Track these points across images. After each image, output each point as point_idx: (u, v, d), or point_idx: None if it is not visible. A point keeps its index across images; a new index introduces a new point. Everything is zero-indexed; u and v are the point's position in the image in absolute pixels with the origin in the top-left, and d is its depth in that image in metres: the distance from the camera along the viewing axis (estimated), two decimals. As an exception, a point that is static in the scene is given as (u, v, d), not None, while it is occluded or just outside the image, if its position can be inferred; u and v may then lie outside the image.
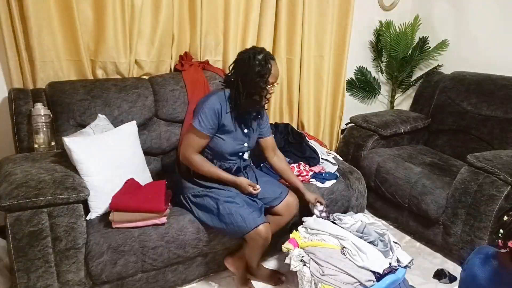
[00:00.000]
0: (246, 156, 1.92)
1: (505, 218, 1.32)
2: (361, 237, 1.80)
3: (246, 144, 1.87)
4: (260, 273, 1.99)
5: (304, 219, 1.91)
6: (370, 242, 1.78)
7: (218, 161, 1.84)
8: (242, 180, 1.83)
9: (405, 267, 1.77)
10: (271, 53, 2.66)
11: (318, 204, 1.95)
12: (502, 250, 1.28)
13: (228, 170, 1.86)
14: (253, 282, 1.98)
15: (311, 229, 1.84)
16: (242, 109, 1.77)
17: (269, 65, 1.71)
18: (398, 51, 3.10)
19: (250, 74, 1.70)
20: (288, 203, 1.92)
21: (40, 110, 1.91)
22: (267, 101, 1.81)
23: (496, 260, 1.31)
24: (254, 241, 1.75)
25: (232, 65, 1.78)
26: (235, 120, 1.79)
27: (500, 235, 1.29)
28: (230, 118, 1.78)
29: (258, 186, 1.84)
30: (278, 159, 2.02)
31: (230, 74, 1.79)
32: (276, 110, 2.91)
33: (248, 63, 1.70)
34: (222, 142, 1.79)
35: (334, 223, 1.90)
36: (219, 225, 1.77)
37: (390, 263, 1.71)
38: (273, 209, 1.90)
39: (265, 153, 2.01)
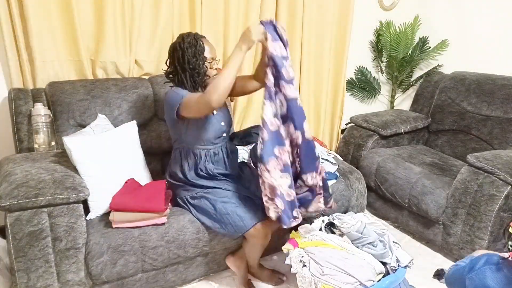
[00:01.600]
0: (225, 135, 1.90)
1: (511, 230, 1.30)
2: (360, 237, 1.80)
3: (223, 123, 1.87)
4: (260, 273, 1.99)
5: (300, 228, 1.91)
6: (369, 243, 1.78)
7: (204, 147, 1.84)
8: (250, 28, 1.61)
9: (405, 267, 1.77)
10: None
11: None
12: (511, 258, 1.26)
13: (216, 155, 1.86)
14: (254, 282, 1.98)
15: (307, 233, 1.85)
16: (193, 91, 1.76)
17: (201, 42, 1.74)
18: (398, 51, 3.10)
19: (187, 57, 1.72)
20: None
21: (40, 110, 1.91)
22: (214, 79, 1.74)
23: (507, 269, 1.30)
24: (253, 238, 1.76)
25: (168, 60, 1.80)
26: None
27: (510, 247, 1.27)
28: None
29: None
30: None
31: (168, 70, 1.81)
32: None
33: (181, 49, 1.72)
34: (201, 129, 1.79)
35: (332, 224, 1.91)
36: (217, 226, 1.77)
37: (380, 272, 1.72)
38: None
39: (251, 83, 1.88)
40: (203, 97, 1.61)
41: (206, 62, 1.76)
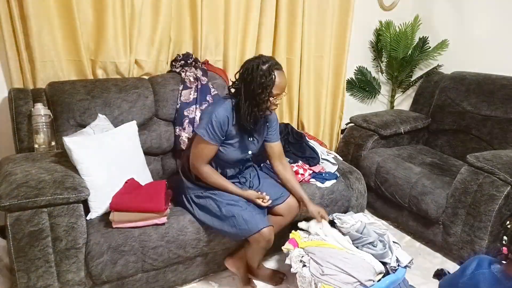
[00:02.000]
0: (248, 162, 1.93)
1: (509, 225, 1.31)
2: (360, 237, 1.80)
3: (250, 152, 1.87)
4: (260, 273, 1.99)
5: (299, 224, 1.91)
6: (369, 243, 1.78)
7: (221, 168, 1.84)
8: (250, 193, 1.81)
9: (405, 267, 1.77)
10: (272, 54, 2.71)
11: (319, 221, 1.88)
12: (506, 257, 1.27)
13: (231, 176, 1.86)
14: (254, 282, 1.98)
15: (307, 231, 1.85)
16: (244, 121, 1.72)
17: (273, 76, 1.65)
18: (398, 51, 3.10)
19: (253, 85, 1.64)
20: (289, 204, 1.92)
21: (40, 110, 1.91)
22: (270, 112, 1.77)
23: (501, 273, 1.30)
24: (257, 243, 1.75)
25: (238, 73, 1.73)
26: (240, 129, 1.77)
27: (504, 242, 1.28)
28: (236, 128, 1.75)
29: (267, 198, 1.81)
30: (283, 168, 1.95)
31: (236, 82, 1.75)
32: (276, 110, 2.91)
33: (252, 74, 1.64)
34: (227, 151, 1.78)
35: (333, 223, 1.91)
36: (220, 227, 1.77)
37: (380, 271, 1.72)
38: (275, 209, 1.90)
39: (270, 160, 1.97)
40: (195, 167, 1.77)
41: (271, 97, 1.68)
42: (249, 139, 1.83)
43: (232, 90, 1.77)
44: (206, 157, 1.75)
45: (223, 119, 1.70)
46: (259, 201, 1.80)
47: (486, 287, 1.32)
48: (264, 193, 1.83)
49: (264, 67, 1.64)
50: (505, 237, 1.29)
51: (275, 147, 1.94)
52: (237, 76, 1.74)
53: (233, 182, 1.87)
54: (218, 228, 1.78)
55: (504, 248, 1.27)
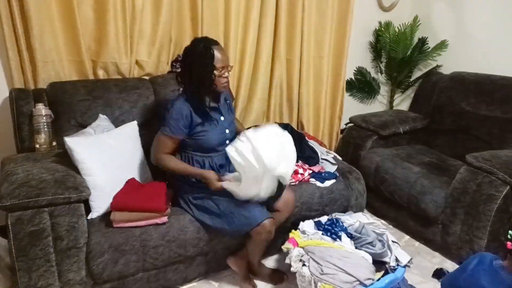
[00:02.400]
0: (228, 142, 1.92)
1: None
2: (359, 238, 1.81)
3: (227, 131, 1.89)
4: (261, 272, 2.00)
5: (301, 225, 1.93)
6: (368, 243, 1.79)
7: (208, 155, 1.85)
8: (210, 174, 1.77)
9: (404, 266, 1.78)
10: (272, 54, 2.72)
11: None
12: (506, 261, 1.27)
13: (219, 162, 1.87)
14: (255, 281, 1.98)
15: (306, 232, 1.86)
16: (200, 102, 1.77)
17: (211, 51, 1.69)
18: (397, 52, 3.11)
19: (195, 66, 1.70)
20: (286, 199, 1.92)
21: (41, 110, 1.91)
22: (223, 88, 1.80)
23: (502, 268, 1.31)
24: (258, 235, 1.75)
25: (179, 62, 1.78)
26: (205, 114, 1.79)
27: (509, 236, 1.28)
28: (201, 115, 1.78)
29: (226, 176, 1.76)
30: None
31: (179, 72, 1.81)
32: (276, 110, 2.92)
33: (190, 56, 1.71)
34: (206, 137, 1.80)
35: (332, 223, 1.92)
36: (221, 225, 1.78)
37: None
38: (271, 205, 1.91)
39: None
40: (157, 158, 1.81)
41: (215, 71, 1.72)
42: (220, 118, 1.86)
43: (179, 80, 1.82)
44: (168, 149, 1.80)
45: (183, 112, 1.75)
46: (217, 183, 1.73)
47: (487, 282, 1.32)
48: (227, 176, 1.79)
49: (200, 46, 1.70)
50: (510, 232, 1.29)
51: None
52: (178, 65, 1.81)
53: (224, 172, 1.88)
54: (218, 226, 1.79)
55: (509, 243, 1.27)
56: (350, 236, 1.87)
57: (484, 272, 1.36)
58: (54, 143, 1.97)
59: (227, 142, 1.88)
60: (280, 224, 1.93)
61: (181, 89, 1.89)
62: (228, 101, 1.95)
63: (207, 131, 1.81)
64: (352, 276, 1.64)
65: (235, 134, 1.90)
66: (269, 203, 1.90)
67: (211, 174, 1.77)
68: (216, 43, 1.76)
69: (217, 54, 1.71)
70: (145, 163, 2.01)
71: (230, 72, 1.80)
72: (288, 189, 1.96)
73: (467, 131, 2.68)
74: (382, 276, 1.73)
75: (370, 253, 1.76)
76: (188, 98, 1.78)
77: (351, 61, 3.11)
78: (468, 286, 1.40)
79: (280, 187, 1.78)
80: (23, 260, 1.51)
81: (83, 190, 1.59)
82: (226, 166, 1.91)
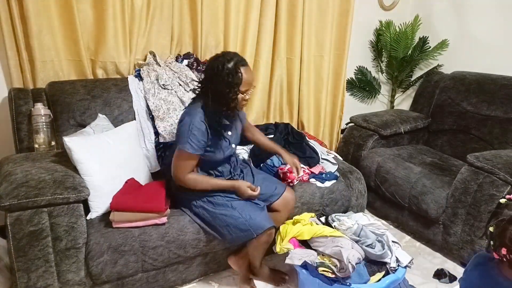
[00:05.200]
0: (235, 155, 1.94)
1: (491, 229, 1.32)
2: (358, 241, 1.80)
3: (233, 145, 1.87)
4: (262, 273, 1.99)
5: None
6: (367, 246, 1.78)
7: (213, 168, 1.84)
8: (240, 183, 1.78)
9: (405, 267, 1.77)
10: (272, 54, 2.71)
11: (294, 170, 1.94)
12: (499, 261, 1.27)
13: (222, 172, 1.86)
14: (255, 282, 1.98)
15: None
16: (217, 123, 1.72)
17: (240, 74, 1.61)
18: (398, 51, 3.10)
19: (221, 85, 1.61)
20: (285, 199, 1.92)
21: (40, 110, 1.91)
22: (241, 108, 1.77)
23: (497, 271, 1.31)
24: (258, 240, 1.76)
25: (203, 74, 1.71)
26: (216, 129, 1.75)
27: (492, 247, 1.28)
28: (214, 130, 1.74)
29: (258, 188, 1.79)
30: (251, 133, 2.03)
31: (202, 83, 1.73)
32: (276, 110, 2.92)
33: (218, 73, 1.61)
34: (213, 154, 1.77)
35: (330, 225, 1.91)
36: (225, 236, 1.79)
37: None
38: (271, 205, 1.91)
39: (244, 134, 2.00)
40: (180, 179, 1.72)
41: (240, 94, 1.66)
42: (228, 133, 1.82)
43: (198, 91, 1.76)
44: (190, 168, 1.72)
45: (202, 128, 1.67)
46: (249, 191, 1.75)
47: (481, 282, 1.33)
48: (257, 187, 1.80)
49: (230, 65, 1.60)
50: (491, 242, 1.29)
51: (246, 124, 1.99)
52: (203, 78, 1.72)
53: (228, 178, 1.87)
54: (223, 237, 1.79)
55: (495, 254, 1.27)
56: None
57: (479, 272, 1.37)
58: (53, 143, 1.97)
59: (232, 154, 1.88)
60: (279, 224, 1.92)
61: (195, 99, 1.80)
62: (240, 116, 1.91)
63: (216, 148, 1.77)
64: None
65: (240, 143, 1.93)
66: (269, 203, 1.90)
67: (240, 183, 1.77)
68: (246, 63, 1.67)
69: (245, 77, 1.63)
70: (144, 163, 2.00)
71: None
72: (288, 190, 1.96)
73: (468, 131, 2.68)
74: (383, 276, 1.72)
75: (370, 255, 1.75)
76: (206, 113, 1.69)
77: (352, 61, 3.11)
78: (465, 286, 1.41)
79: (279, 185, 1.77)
80: (22, 260, 1.51)
81: (82, 190, 1.59)
82: (229, 170, 1.90)
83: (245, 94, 1.68)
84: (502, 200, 1.89)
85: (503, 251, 1.23)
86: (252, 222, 1.72)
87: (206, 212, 1.79)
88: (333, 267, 1.65)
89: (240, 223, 1.73)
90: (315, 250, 1.79)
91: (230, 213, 1.75)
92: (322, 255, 1.73)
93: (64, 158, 1.74)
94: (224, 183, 1.79)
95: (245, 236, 1.74)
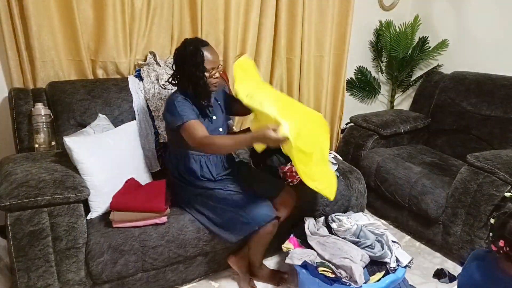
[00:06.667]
0: None
1: (492, 221, 1.33)
2: (357, 242, 1.80)
3: (221, 129, 1.89)
4: (262, 273, 1.99)
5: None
6: (367, 246, 1.78)
7: (204, 155, 1.84)
8: (264, 130, 1.53)
9: (405, 266, 1.77)
10: (272, 54, 2.71)
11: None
12: (496, 252, 1.28)
13: (215, 159, 1.87)
14: (255, 282, 1.98)
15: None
16: (194, 102, 1.77)
17: (201, 53, 1.69)
18: (398, 51, 3.10)
19: (187, 68, 1.71)
20: (284, 198, 1.92)
21: (41, 110, 1.91)
22: (214, 88, 1.80)
23: (494, 264, 1.31)
24: (258, 235, 1.77)
25: (173, 64, 1.78)
26: (200, 113, 1.79)
27: (491, 239, 1.29)
28: (199, 112, 1.79)
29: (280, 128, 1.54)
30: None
31: (174, 73, 1.80)
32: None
33: (182, 57, 1.71)
34: None
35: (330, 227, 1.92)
36: (219, 232, 1.79)
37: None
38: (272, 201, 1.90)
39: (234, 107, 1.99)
40: (201, 143, 1.64)
41: (206, 73, 1.72)
42: (213, 118, 1.86)
43: (173, 81, 1.82)
44: (202, 132, 1.66)
45: (187, 102, 1.74)
46: (273, 133, 1.51)
47: (479, 277, 1.34)
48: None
49: (191, 47, 1.70)
50: (490, 234, 1.31)
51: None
52: (173, 67, 1.79)
53: (222, 175, 1.88)
54: (223, 235, 1.80)
55: (493, 246, 1.29)
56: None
57: (477, 267, 1.38)
58: (53, 143, 1.97)
59: None
60: (279, 224, 1.92)
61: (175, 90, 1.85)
62: (219, 102, 1.94)
63: None
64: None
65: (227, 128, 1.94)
66: (272, 197, 1.89)
67: (265, 130, 1.53)
68: (205, 43, 1.75)
69: (207, 55, 1.71)
70: (144, 162, 2.01)
71: (220, 71, 1.80)
72: (288, 189, 1.96)
73: (468, 131, 2.68)
74: (383, 276, 1.72)
75: (369, 256, 1.75)
76: (186, 97, 1.76)
77: (352, 61, 3.11)
78: (464, 280, 1.41)
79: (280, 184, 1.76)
80: (22, 260, 1.51)
81: (82, 190, 1.59)
82: (221, 160, 1.90)
83: (212, 73, 1.74)
84: (507, 194, 1.90)
85: (501, 243, 1.25)
86: (254, 214, 1.73)
87: (207, 208, 1.79)
88: (333, 267, 1.66)
89: (242, 215, 1.73)
90: (315, 250, 1.78)
91: (231, 207, 1.76)
92: (328, 262, 1.72)
93: (64, 158, 1.74)
94: (245, 137, 1.64)
95: (247, 229, 1.74)
